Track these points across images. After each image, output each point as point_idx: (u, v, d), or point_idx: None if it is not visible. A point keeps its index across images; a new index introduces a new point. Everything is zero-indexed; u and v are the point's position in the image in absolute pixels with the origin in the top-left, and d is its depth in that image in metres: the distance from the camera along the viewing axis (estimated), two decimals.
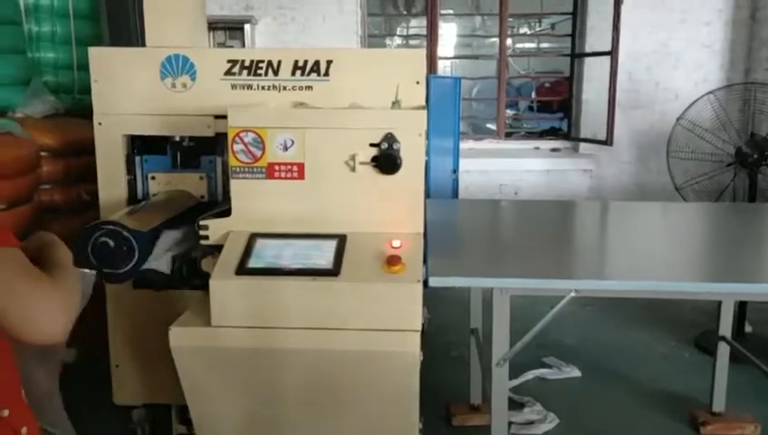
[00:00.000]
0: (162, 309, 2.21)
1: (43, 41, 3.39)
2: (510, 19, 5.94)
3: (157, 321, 2.03)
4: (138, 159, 2.48)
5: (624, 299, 4.16)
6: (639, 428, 3.10)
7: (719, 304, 3.07)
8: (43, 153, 2.93)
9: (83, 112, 2.53)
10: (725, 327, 3.05)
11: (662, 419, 3.14)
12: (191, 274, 2.29)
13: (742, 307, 3.88)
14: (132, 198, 2.45)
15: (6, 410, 1.26)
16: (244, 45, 5.16)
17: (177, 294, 2.31)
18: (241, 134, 2.00)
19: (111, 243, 1.91)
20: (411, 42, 9.84)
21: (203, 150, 2.49)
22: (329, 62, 2.34)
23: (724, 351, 3.05)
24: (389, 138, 1.98)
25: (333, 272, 1.87)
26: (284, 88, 2.35)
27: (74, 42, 3.40)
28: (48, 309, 1.08)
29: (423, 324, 1.91)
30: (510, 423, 2.95)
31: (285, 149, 2.01)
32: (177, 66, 2.36)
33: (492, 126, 6.47)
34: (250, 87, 2.36)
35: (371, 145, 1.99)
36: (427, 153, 2.10)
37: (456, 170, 4.91)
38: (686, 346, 3.94)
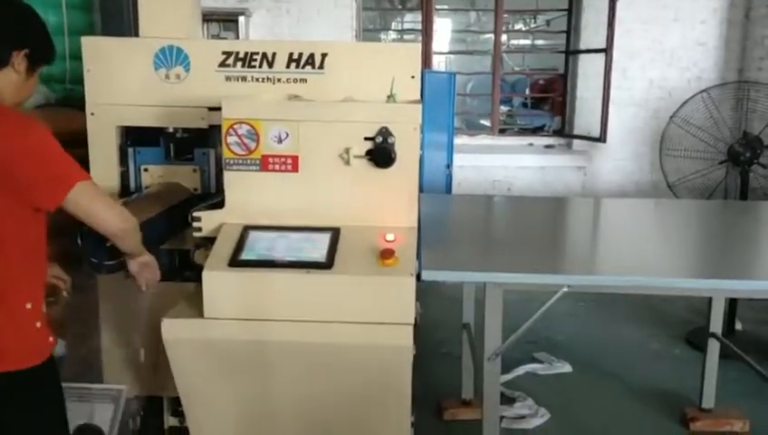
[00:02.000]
0: (155, 300, 2.20)
1: None
2: (505, 15, 5.94)
3: (149, 312, 2.03)
4: (131, 150, 2.46)
5: (616, 296, 4.18)
6: (629, 423, 3.12)
7: (710, 301, 3.09)
8: None
9: (75, 103, 2.51)
10: (716, 324, 3.08)
11: (652, 414, 3.16)
12: (184, 266, 2.28)
13: (732, 305, 3.91)
14: (125, 190, 2.44)
15: (30, 304, 1.62)
16: (238, 38, 5.14)
17: (170, 285, 2.30)
18: (235, 126, 1.99)
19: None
20: (406, 36, 9.80)
21: (196, 143, 2.48)
22: (324, 56, 2.33)
23: (714, 347, 3.07)
24: (384, 132, 1.98)
25: (327, 265, 1.87)
26: (279, 80, 2.34)
27: (66, 31, 3.36)
28: (113, 213, 1.71)
29: (415, 319, 1.91)
30: (501, 417, 2.96)
31: (280, 141, 2.00)
32: (171, 57, 2.35)
33: (486, 122, 6.48)
34: (244, 79, 2.34)
35: (366, 139, 1.99)
36: (421, 148, 2.10)
37: (449, 166, 4.92)
38: (676, 343, 3.97)
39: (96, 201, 1.66)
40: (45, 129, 1.61)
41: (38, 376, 1.66)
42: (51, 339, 1.70)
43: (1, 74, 1.62)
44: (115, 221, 1.70)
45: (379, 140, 1.98)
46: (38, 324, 1.65)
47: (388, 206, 2.04)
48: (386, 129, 1.98)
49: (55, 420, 1.76)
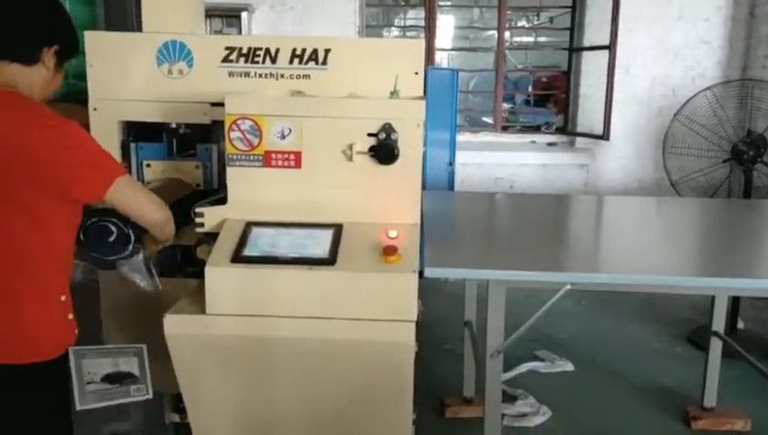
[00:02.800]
0: (157, 296, 2.19)
1: None
2: (508, 12, 5.92)
3: (151, 308, 2.02)
4: (133, 145, 2.45)
5: (618, 294, 4.18)
6: (631, 421, 3.11)
7: (712, 299, 3.09)
8: None
9: (78, 98, 2.51)
10: (718, 323, 3.07)
11: (654, 413, 3.16)
12: (186, 261, 2.28)
13: (735, 303, 3.90)
14: None
15: (64, 296, 1.71)
16: (240, 33, 5.13)
17: (172, 281, 2.30)
18: (238, 121, 1.99)
19: (113, 229, 1.86)
20: (409, 33, 9.80)
21: (199, 138, 2.47)
22: (327, 51, 2.32)
23: (716, 346, 3.07)
24: (387, 128, 1.97)
25: (329, 261, 1.86)
26: (282, 76, 2.33)
27: None
28: (154, 205, 1.79)
29: (417, 316, 1.91)
30: (503, 415, 2.96)
31: (283, 137, 1.99)
32: (174, 52, 2.34)
33: (488, 119, 6.47)
34: (247, 75, 2.34)
35: (369, 135, 1.98)
36: (424, 145, 2.09)
37: (452, 163, 4.92)
38: (679, 341, 3.97)
39: (138, 193, 1.76)
40: (80, 125, 1.65)
41: (59, 365, 1.74)
42: (76, 331, 1.78)
43: (32, 71, 1.65)
44: (156, 212, 1.80)
45: (383, 136, 1.97)
46: (70, 316, 1.75)
47: (391, 202, 2.03)
48: (389, 125, 1.97)
49: (66, 407, 1.83)
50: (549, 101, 7.95)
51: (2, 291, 1.63)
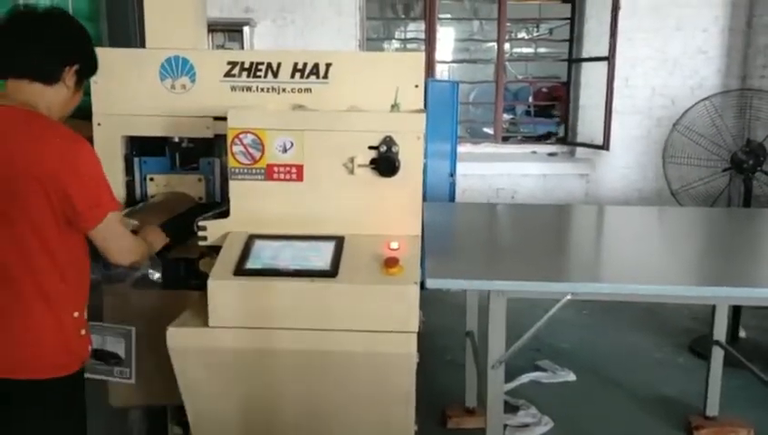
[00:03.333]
0: (160, 310, 2.21)
1: None
2: (508, 24, 5.97)
3: (154, 321, 2.03)
4: (136, 160, 2.48)
5: (619, 304, 4.18)
6: (633, 432, 3.11)
7: (713, 308, 3.09)
8: None
9: (82, 113, 2.53)
10: (720, 332, 3.07)
11: (656, 423, 3.16)
12: (189, 274, 2.29)
13: (736, 312, 3.91)
14: (131, 200, 2.45)
15: (77, 312, 1.73)
16: (242, 48, 5.17)
17: (175, 294, 2.31)
18: (240, 135, 2.01)
19: None
20: (409, 45, 9.84)
21: (201, 152, 2.50)
22: (328, 65, 2.35)
23: (718, 355, 3.07)
24: (388, 141, 1.99)
25: (331, 273, 1.88)
26: (284, 90, 2.36)
27: None
28: (125, 252, 1.79)
29: (419, 327, 1.92)
30: (505, 426, 2.96)
31: (285, 150, 2.02)
32: (177, 67, 2.37)
33: (489, 130, 6.49)
34: (249, 89, 2.36)
35: (370, 148, 2.00)
36: (425, 157, 2.12)
37: (453, 174, 4.93)
38: (680, 351, 3.96)
39: (116, 240, 1.76)
40: (92, 150, 1.68)
41: (74, 381, 1.76)
42: (90, 347, 1.82)
43: (52, 90, 1.67)
44: (124, 259, 1.81)
45: (383, 149, 1.99)
46: (83, 332, 1.77)
47: (393, 214, 2.05)
48: (390, 138, 1.99)
49: (83, 422, 1.85)
50: (554, 111, 7.98)
51: (10, 304, 1.65)
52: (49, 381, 1.67)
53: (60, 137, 1.63)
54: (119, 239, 1.77)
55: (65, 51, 1.70)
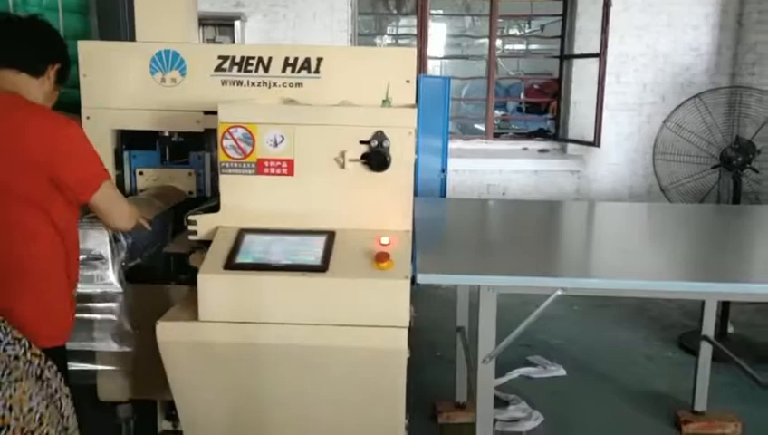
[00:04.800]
0: (149, 304, 2.20)
1: None
2: (499, 20, 5.97)
3: (143, 316, 2.03)
4: (126, 154, 2.47)
5: (610, 299, 4.21)
6: (623, 426, 3.13)
7: (702, 304, 3.11)
8: None
9: (72, 107, 2.52)
10: (708, 327, 3.09)
11: (645, 417, 3.18)
12: (180, 269, 2.28)
13: (725, 308, 3.93)
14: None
15: (76, 291, 1.84)
16: (233, 42, 5.15)
17: (166, 288, 2.30)
18: (231, 130, 2.00)
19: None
20: (401, 41, 9.83)
21: (192, 146, 2.49)
22: (319, 60, 2.35)
23: (706, 351, 3.09)
24: (379, 135, 1.99)
25: (322, 268, 1.88)
26: (275, 84, 2.35)
27: (63, 35, 3.37)
28: (125, 216, 1.90)
29: (410, 322, 1.92)
30: (495, 421, 2.97)
31: (275, 145, 2.01)
32: (167, 61, 2.36)
33: (480, 126, 6.50)
34: (240, 83, 2.36)
35: (361, 142, 2.00)
36: (416, 152, 2.12)
37: (444, 170, 4.93)
38: (669, 346, 3.99)
39: (114, 205, 1.88)
40: (78, 126, 1.81)
41: (61, 354, 1.83)
42: (72, 319, 1.89)
43: (37, 82, 1.84)
44: (124, 224, 1.92)
45: (375, 143, 1.99)
46: (70, 305, 1.85)
47: (384, 209, 2.05)
48: (381, 133, 1.99)
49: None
50: (540, 108, 7.99)
51: (11, 277, 1.73)
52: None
53: (49, 120, 1.76)
54: (118, 205, 1.89)
55: (51, 49, 1.88)
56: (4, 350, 1.44)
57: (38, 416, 1.46)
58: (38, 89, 1.83)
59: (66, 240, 1.82)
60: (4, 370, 1.40)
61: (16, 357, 1.46)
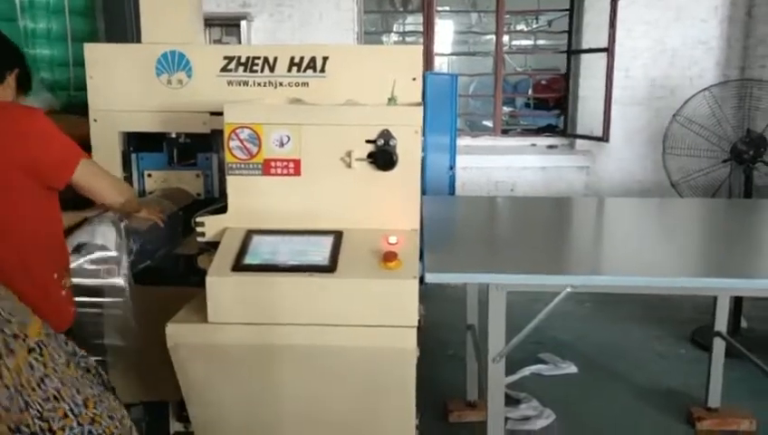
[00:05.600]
0: (159, 306, 2.20)
1: (38, 38, 3.37)
2: (507, 16, 5.94)
3: (153, 318, 2.03)
4: (134, 156, 2.48)
5: (621, 295, 4.16)
6: (635, 423, 3.11)
7: (715, 299, 3.08)
8: None
9: (79, 109, 2.53)
10: (721, 323, 3.07)
11: (658, 414, 3.16)
12: (188, 270, 2.29)
13: (737, 303, 3.90)
14: None
15: (56, 274, 1.83)
16: (240, 42, 5.15)
17: (174, 290, 2.31)
18: (237, 130, 2.00)
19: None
20: (408, 38, 9.83)
21: (199, 147, 2.49)
22: (325, 59, 2.34)
23: (719, 346, 3.07)
24: (386, 134, 1.98)
25: (330, 268, 1.87)
26: (280, 84, 2.35)
27: (70, 38, 3.38)
28: (112, 189, 1.93)
29: (419, 321, 1.91)
30: (506, 419, 2.96)
31: (281, 145, 2.01)
32: (173, 63, 2.36)
33: (489, 123, 6.48)
34: (246, 83, 2.36)
35: (367, 141, 1.99)
36: (424, 150, 2.11)
37: (452, 167, 4.92)
38: (682, 342, 3.96)
39: (98, 179, 1.88)
40: (46, 115, 1.80)
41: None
42: (72, 309, 1.89)
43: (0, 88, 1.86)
44: (114, 197, 1.94)
45: (381, 142, 1.98)
46: (63, 293, 1.87)
47: (391, 208, 2.04)
48: (387, 131, 1.98)
49: None
50: (549, 103, 7.96)
51: None
52: None
53: (16, 112, 1.79)
54: (102, 181, 1.90)
55: (7, 56, 1.91)
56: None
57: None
58: (2, 94, 1.86)
59: (44, 230, 1.83)
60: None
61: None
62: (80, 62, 2.47)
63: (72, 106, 3.24)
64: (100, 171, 1.91)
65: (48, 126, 1.80)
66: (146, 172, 2.47)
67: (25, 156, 1.73)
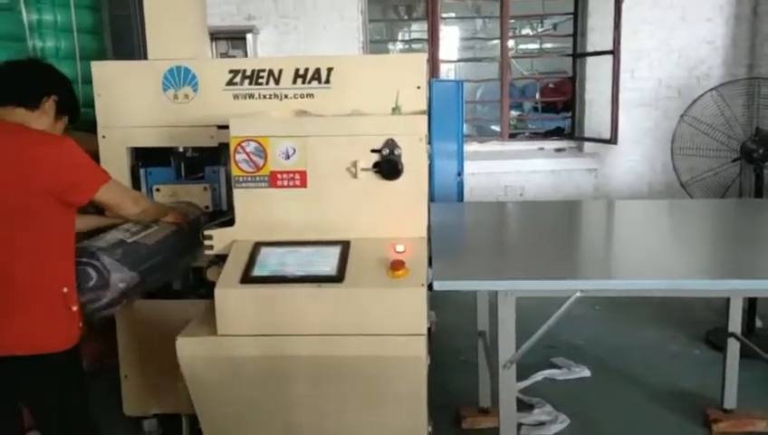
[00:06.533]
0: (169, 319, 2.22)
1: (47, 56, 3.41)
2: (512, 20, 5.94)
3: (164, 331, 2.05)
4: (142, 171, 2.50)
5: (633, 298, 4.14)
6: (651, 426, 3.08)
7: (728, 300, 3.06)
8: None
9: (88, 126, 2.56)
10: (735, 324, 3.04)
11: (673, 417, 3.13)
12: (197, 283, 2.30)
13: (752, 303, 3.86)
14: None
15: (66, 288, 1.83)
16: (246, 55, 5.19)
17: (184, 303, 2.32)
18: (243, 144, 2.02)
19: (91, 272, 1.93)
20: (414, 46, 9.84)
21: (206, 161, 2.51)
22: (329, 70, 2.36)
23: (734, 347, 3.04)
24: (390, 144, 1.99)
25: (337, 278, 1.88)
26: (286, 96, 2.37)
27: (78, 56, 3.43)
28: (132, 201, 2.04)
29: (430, 328, 1.91)
30: (520, 425, 2.94)
31: (287, 157, 2.02)
32: (180, 78, 2.39)
33: (497, 128, 6.47)
34: (252, 96, 2.38)
35: (372, 151, 2.00)
36: (431, 157, 2.11)
37: (460, 173, 4.91)
38: (696, 343, 3.92)
39: (117, 197, 1.98)
40: (74, 141, 1.86)
41: (71, 358, 1.86)
42: (81, 324, 1.89)
43: (35, 116, 1.90)
44: (131, 210, 2.05)
45: (386, 152, 1.99)
46: (74, 308, 1.86)
47: (398, 217, 2.05)
48: (392, 141, 1.99)
49: (83, 394, 1.95)
50: (557, 107, 7.94)
51: (3, 286, 1.76)
52: (39, 357, 1.78)
53: (46, 139, 1.84)
54: (124, 193, 2.05)
55: (43, 82, 1.95)
56: None
57: None
58: (36, 121, 1.89)
59: (59, 246, 1.85)
60: None
61: None
62: (88, 79, 2.50)
63: (82, 122, 3.28)
64: (120, 190, 2.02)
65: (74, 152, 1.84)
66: (154, 187, 2.49)
67: (47, 181, 1.77)
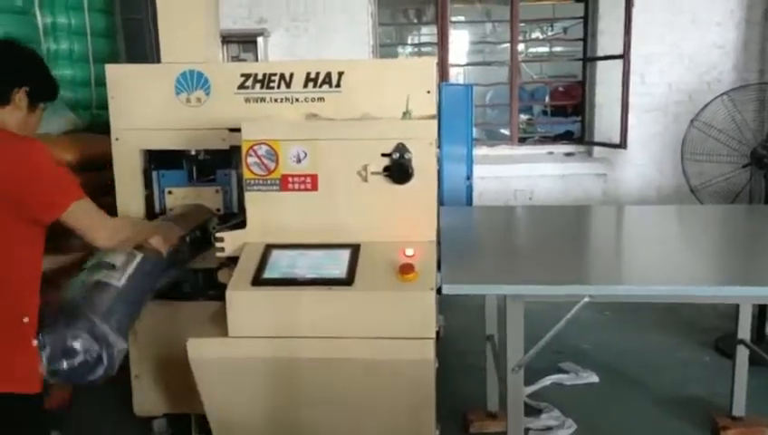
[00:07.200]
0: (180, 320, 2.24)
1: (61, 58, 3.46)
2: (522, 24, 5.94)
3: (175, 332, 2.06)
4: (155, 173, 2.52)
5: (641, 304, 4.13)
6: (658, 433, 3.07)
7: (738, 307, 3.05)
8: None
9: (102, 128, 2.58)
10: (744, 330, 3.02)
11: (681, 424, 3.12)
12: (208, 285, 2.32)
13: (761, 310, 3.84)
14: (150, 213, 2.49)
15: (27, 318, 1.65)
16: (257, 58, 5.21)
17: (195, 305, 2.34)
18: (254, 147, 2.03)
19: (79, 348, 1.72)
20: (423, 49, 9.86)
21: (218, 164, 2.53)
22: (340, 74, 2.37)
23: (743, 354, 3.02)
24: (401, 148, 2.00)
25: (347, 281, 1.90)
26: (297, 100, 2.39)
27: (92, 59, 3.46)
28: (101, 230, 1.77)
29: (438, 332, 1.92)
30: (528, 429, 2.94)
31: (298, 160, 2.04)
32: (192, 81, 2.41)
33: (506, 132, 6.47)
34: (263, 100, 2.39)
35: (383, 155, 2.02)
36: (440, 161, 2.12)
37: (469, 177, 4.92)
38: (705, 350, 3.90)
39: (88, 221, 1.74)
40: (45, 149, 1.68)
41: (31, 407, 1.68)
42: (41, 365, 1.68)
43: (6, 111, 1.73)
44: (104, 241, 1.80)
45: (396, 156, 2.00)
46: (34, 343, 1.68)
47: (407, 221, 2.06)
48: (402, 145, 2.00)
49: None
50: (566, 111, 7.93)
51: None
52: (8, 395, 1.62)
53: (11, 145, 1.66)
54: (93, 220, 1.75)
55: (11, 74, 1.75)
56: None
57: None
58: (10, 116, 1.72)
59: (20, 269, 1.68)
60: None
61: None
62: (102, 82, 2.53)
63: (95, 125, 3.31)
64: (93, 213, 1.76)
65: (42, 163, 1.66)
66: (166, 189, 2.52)
67: (9, 190, 1.60)
